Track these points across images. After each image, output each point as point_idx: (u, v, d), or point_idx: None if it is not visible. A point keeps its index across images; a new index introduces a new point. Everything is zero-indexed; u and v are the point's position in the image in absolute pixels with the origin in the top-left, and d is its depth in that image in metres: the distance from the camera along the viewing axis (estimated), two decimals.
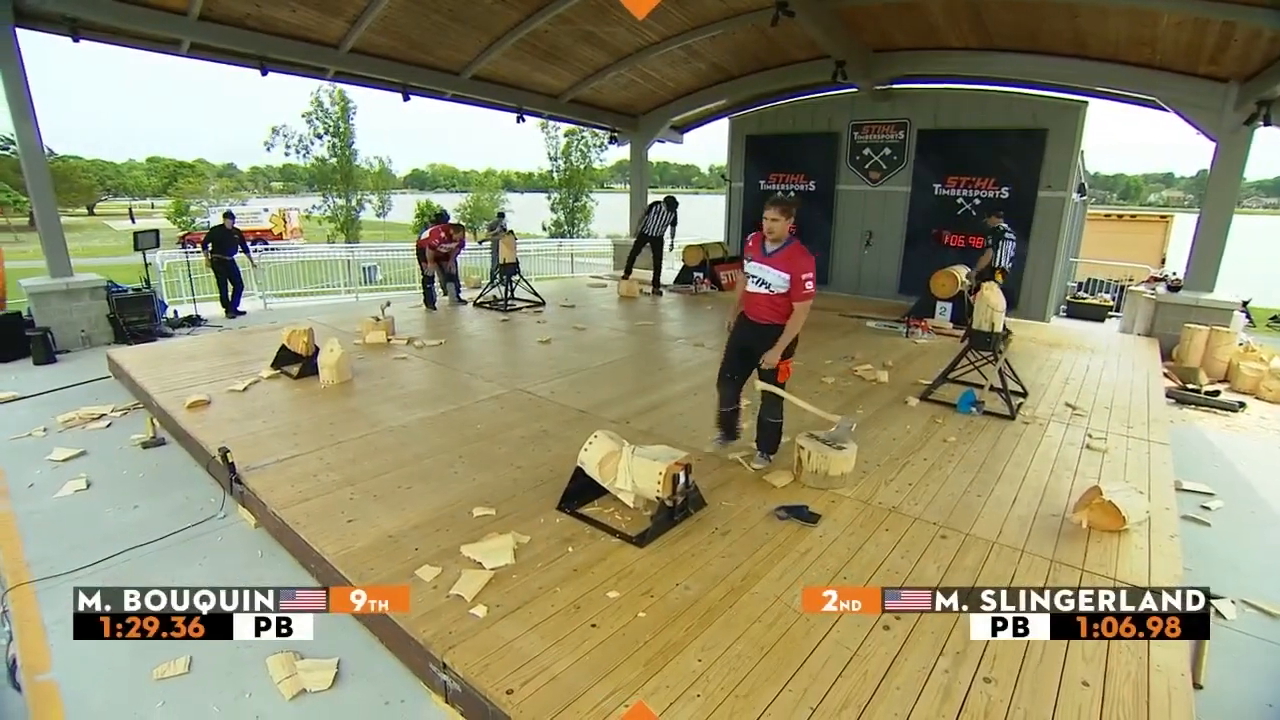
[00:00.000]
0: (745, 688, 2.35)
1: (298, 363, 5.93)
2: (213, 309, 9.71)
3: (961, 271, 8.15)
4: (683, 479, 3.38)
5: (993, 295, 5.30)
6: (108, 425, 5.25)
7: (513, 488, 3.86)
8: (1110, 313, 10.44)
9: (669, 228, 10.68)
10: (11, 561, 3.40)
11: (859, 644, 2.58)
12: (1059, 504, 3.77)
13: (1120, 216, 18.18)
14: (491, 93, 11.09)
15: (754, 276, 3.98)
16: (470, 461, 4.22)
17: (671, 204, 10.57)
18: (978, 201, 9.75)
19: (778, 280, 3.86)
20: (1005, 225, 7.96)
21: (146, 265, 8.95)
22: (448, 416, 5.06)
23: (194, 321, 9.01)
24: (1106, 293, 11.12)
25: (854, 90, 10.43)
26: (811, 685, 2.37)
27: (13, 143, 7.28)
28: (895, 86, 10.22)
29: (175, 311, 9.21)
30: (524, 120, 12.08)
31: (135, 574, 3.26)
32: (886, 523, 3.52)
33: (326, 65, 9.28)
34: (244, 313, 9.74)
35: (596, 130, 23.40)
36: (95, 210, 51.68)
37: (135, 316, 7.85)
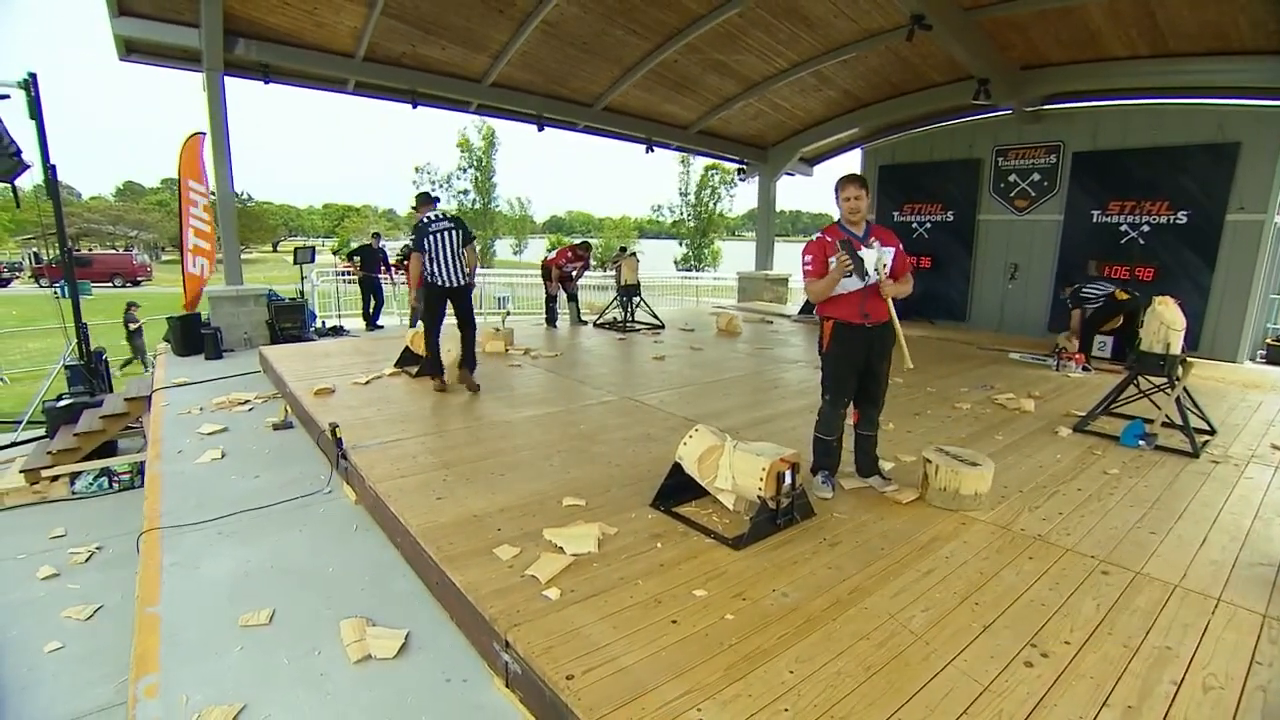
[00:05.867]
0: (843, 709, 1.97)
1: (418, 362, 6.18)
2: (355, 323, 10.51)
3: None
4: (788, 478, 3.04)
5: (1168, 311, 4.51)
6: (249, 409, 5.69)
7: (607, 483, 3.68)
8: None
9: (459, 256, 5.52)
10: (150, 511, 3.71)
11: (991, 679, 2.12)
12: (1270, 553, 3.02)
13: None
14: (622, 124, 11.40)
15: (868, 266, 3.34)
16: (568, 456, 4.11)
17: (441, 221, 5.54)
18: (1146, 228, 8.64)
19: (889, 255, 3.39)
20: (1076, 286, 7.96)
21: (302, 279, 9.88)
22: (553, 416, 5.01)
23: (338, 332, 9.77)
24: None
25: (998, 113, 9.73)
26: (927, 718, 1.95)
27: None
28: (1047, 107, 9.39)
29: (323, 322, 10.06)
30: (653, 151, 12.30)
31: (242, 533, 3.41)
32: (1030, 550, 2.97)
33: (470, 98, 9.97)
34: (382, 327, 10.45)
35: (726, 165, 23.53)
36: (278, 248, 58.84)
37: (288, 322, 8.62)
